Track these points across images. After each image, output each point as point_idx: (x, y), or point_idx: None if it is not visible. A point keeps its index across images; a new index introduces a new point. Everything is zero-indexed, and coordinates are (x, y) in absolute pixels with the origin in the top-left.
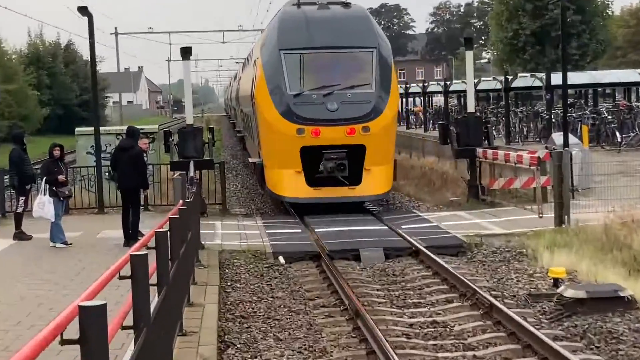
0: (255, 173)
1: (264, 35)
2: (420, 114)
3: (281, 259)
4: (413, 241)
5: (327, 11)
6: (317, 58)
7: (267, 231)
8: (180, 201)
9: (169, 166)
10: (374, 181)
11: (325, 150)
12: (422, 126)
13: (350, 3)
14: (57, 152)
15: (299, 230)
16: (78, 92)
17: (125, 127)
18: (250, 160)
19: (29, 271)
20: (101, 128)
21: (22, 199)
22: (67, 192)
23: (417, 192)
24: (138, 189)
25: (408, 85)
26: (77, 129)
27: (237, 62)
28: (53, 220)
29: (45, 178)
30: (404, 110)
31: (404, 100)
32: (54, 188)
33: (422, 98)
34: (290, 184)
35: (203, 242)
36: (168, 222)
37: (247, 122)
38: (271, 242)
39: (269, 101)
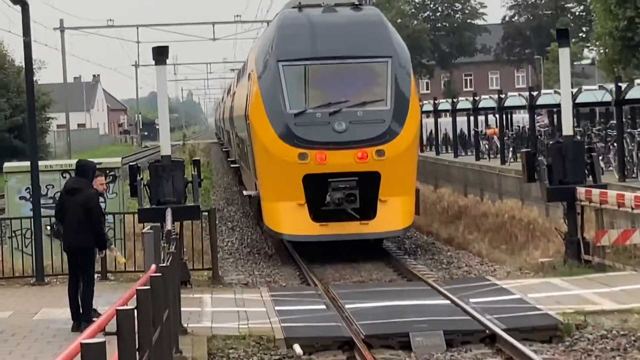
0: (252, 208)
1: (259, 43)
2: (496, 138)
3: (297, 349)
4: (487, 321)
5: (334, 14)
6: (322, 70)
7: (276, 307)
8: (153, 266)
9: (136, 216)
10: (391, 214)
11: (332, 178)
12: (498, 155)
13: (361, 5)
14: None
15: (323, 307)
16: (8, 112)
17: (74, 162)
18: (245, 192)
19: None
20: (41, 163)
21: None
22: None
23: (491, 250)
24: (91, 248)
25: (477, 98)
26: (6, 164)
27: (232, 70)
28: None
29: None
30: (471, 132)
31: (472, 119)
32: None
33: (497, 115)
34: (291, 219)
35: (185, 325)
36: (135, 296)
37: (242, 148)
38: (283, 324)
39: (265, 122)
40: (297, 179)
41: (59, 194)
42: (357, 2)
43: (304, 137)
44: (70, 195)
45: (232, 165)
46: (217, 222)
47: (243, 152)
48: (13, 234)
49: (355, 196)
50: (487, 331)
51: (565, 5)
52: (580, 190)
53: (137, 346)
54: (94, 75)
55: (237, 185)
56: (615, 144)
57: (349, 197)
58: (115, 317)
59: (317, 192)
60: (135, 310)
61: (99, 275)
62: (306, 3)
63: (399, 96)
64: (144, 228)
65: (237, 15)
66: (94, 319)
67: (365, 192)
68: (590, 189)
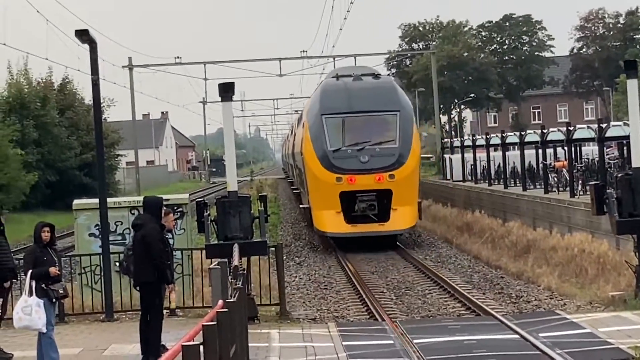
0: (306, 217)
1: (310, 100)
2: (565, 170)
3: None
4: (557, 356)
5: (360, 82)
6: (352, 120)
7: (344, 343)
8: (220, 301)
9: (204, 252)
10: (400, 218)
11: (359, 194)
12: (567, 189)
13: (379, 75)
14: (46, 235)
15: (391, 342)
16: (78, 150)
17: (142, 198)
18: (301, 206)
19: None
20: (110, 200)
21: None
22: (61, 291)
23: (560, 284)
24: (153, 283)
25: (545, 130)
26: (75, 201)
27: (296, 111)
28: (44, 331)
29: (30, 272)
30: (539, 165)
31: (540, 152)
32: (44, 285)
33: (566, 148)
34: (332, 222)
35: None
36: (201, 332)
37: (300, 175)
38: (351, 359)
39: (313, 156)
40: (335, 194)
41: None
42: (377, 73)
43: (340, 166)
44: (135, 230)
45: (294, 191)
46: (284, 257)
47: (300, 178)
48: (83, 271)
49: (375, 206)
50: None
51: (634, 37)
52: None
53: None
54: (162, 113)
55: (305, 223)
56: None
57: (370, 206)
58: (181, 353)
59: (349, 203)
60: (202, 346)
61: (168, 310)
62: (342, 74)
63: (404, 138)
64: (211, 264)
65: (303, 51)
66: (161, 354)
67: (381, 203)
68: None
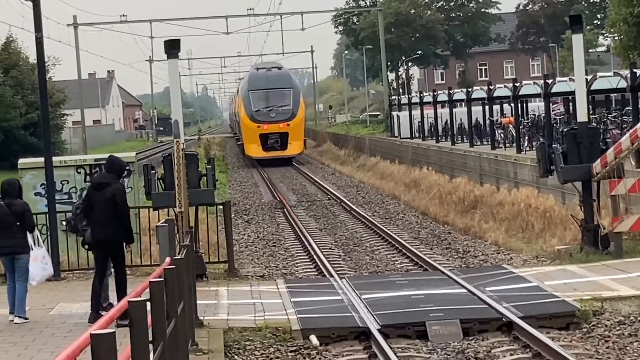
0: (240, 149)
1: (242, 82)
2: (511, 127)
3: (314, 339)
4: (503, 309)
5: (270, 72)
6: (265, 93)
7: (292, 299)
8: (168, 259)
9: (152, 212)
10: (293, 148)
11: (270, 134)
12: (514, 144)
13: (282, 67)
14: None
15: (339, 297)
16: (23, 110)
17: (89, 157)
18: (238, 143)
19: None
20: (55, 158)
21: None
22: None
23: (507, 239)
24: (121, 242)
25: (492, 87)
26: (20, 160)
27: (240, 74)
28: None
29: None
30: (486, 122)
31: (487, 108)
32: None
33: (512, 104)
34: (255, 150)
35: (201, 317)
36: (148, 289)
37: (238, 126)
38: (299, 315)
39: (245, 114)
40: (256, 135)
41: (87, 189)
42: (280, 67)
43: (259, 119)
44: (98, 190)
45: (238, 143)
46: (232, 215)
47: (238, 128)
48: None
49: (279, 141)
50: (503, 319)
51: None
52: (596, 166)
53: (150, 338)
54: (108, 71)
55: (245, 163)
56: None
57: (276, 142)
58: (127, 308)
59: (264, 140)
60: (149, 302)
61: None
62: (260, 67)
63: (295, 103)
64: (158, 223)
65: (250, 9)
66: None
67: (282, 139)
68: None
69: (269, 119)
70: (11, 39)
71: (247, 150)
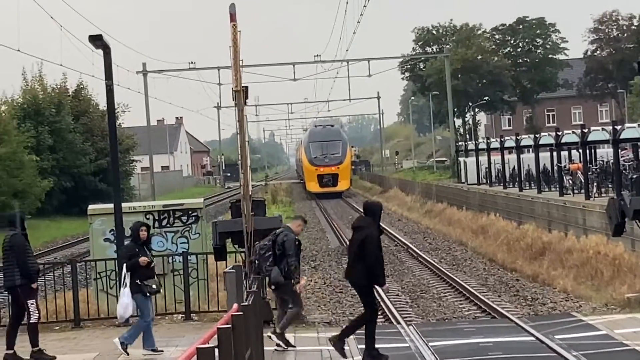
0: (304, 187)
1: (305, 135)
2: (579, 173)
3: None
4: (572, 358)
5: (325, 128)
6: (321, 144)
7: (359, 346)
8: (235, 305)
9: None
10: (341, 185)
11: (324, 175)
12: (582, 191)
13: (334, 125)
14: (143, 234)
15: (406, 344)
16: (93, 156)
17: (158, 203)
18: (300, 181)
19: None
20: (124, 205)
21: (32, 303)
22: (154, 286)
23: (576, 286)
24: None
25: (560, 133)
26: (90, 206)
27: (305, 129)
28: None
29: (125, 265)
30: (554, 168)
31: (555, 154)
32: (138, 281)
33: (580, 150)
34: (313, 186)
35: None
36: (216, 336)
37: (301, 169)
38: None
39: (305, 159)
40: (315, 175)
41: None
42: (333, 124)
43: (316, 163)
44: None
45: (301, 181)
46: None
47: (302, 171)
48: (98, 276)
49: (331, 180)
50: None
51: None
52: None
53: None
54: (176, 118)
55: (305, 192)
56: None
57: (329, 180)
58: (195, 355)
59: (320, 179)
60: (216, 350)
61: (183, 315)
62: (318, 124)
63: (343, 151)
64: (226, 269)
65: (317, 55)
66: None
67: (334, 178)
68: None
69: (324, 164)
70: (82, 86)
71: (308, 187)
